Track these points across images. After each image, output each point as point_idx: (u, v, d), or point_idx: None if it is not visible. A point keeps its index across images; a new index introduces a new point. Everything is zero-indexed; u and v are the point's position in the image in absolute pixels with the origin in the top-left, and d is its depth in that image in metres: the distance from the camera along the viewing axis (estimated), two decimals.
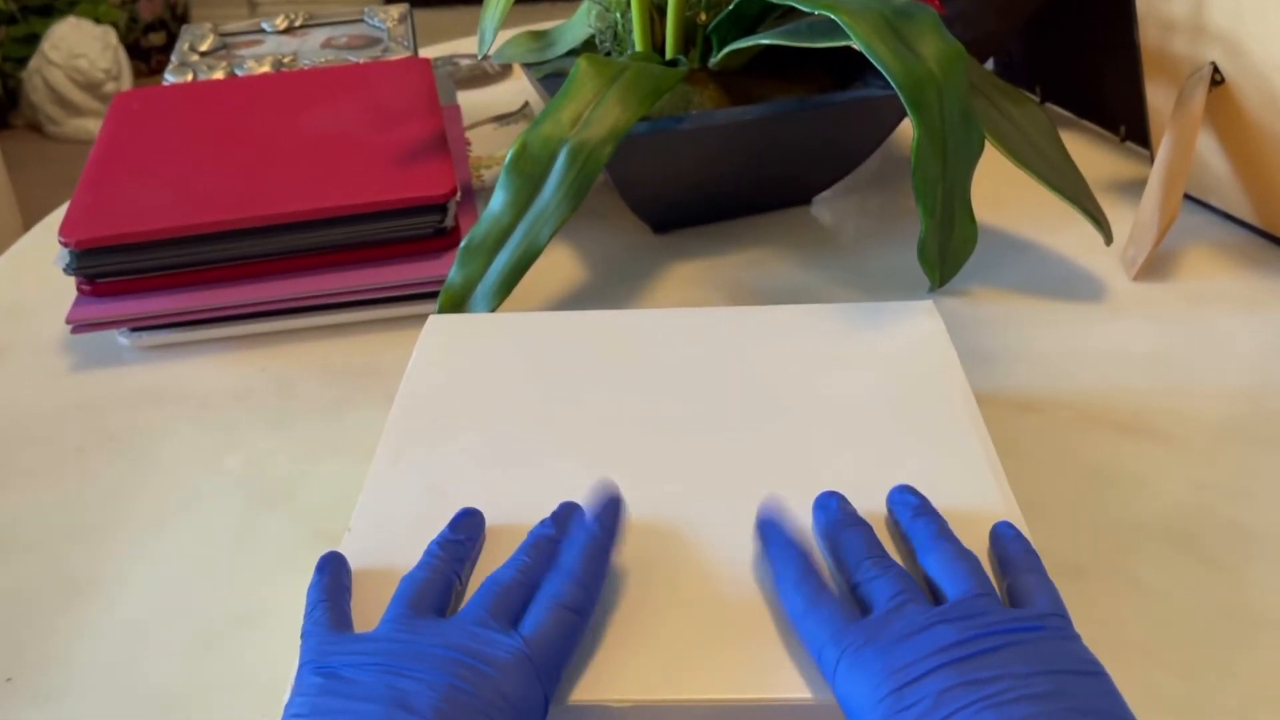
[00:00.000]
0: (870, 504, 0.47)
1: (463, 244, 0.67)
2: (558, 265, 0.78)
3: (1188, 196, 0.82)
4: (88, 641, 0.51)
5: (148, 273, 0.70)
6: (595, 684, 0.40)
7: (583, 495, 0.48)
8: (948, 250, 0.70)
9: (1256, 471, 0.58)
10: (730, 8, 0.75)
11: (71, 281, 0.71)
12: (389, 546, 0.46)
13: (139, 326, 0.71)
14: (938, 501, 0.46)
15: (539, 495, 0.48)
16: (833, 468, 0.49)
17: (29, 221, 2.11)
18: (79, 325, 0.69)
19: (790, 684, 0.40)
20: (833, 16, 0.64)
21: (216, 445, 0.63)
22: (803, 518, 0.46)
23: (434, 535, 0.45)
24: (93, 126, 2.73)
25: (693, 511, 0.47)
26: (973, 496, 0.47)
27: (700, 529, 0.46)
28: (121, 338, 0.71)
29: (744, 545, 0.45)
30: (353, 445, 0.62)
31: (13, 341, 0.74)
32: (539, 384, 0.55)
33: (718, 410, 0.53)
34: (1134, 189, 0.84)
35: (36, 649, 0.51)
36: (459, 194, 0.73)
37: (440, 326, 0.61)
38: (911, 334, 0.58)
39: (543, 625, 0.40)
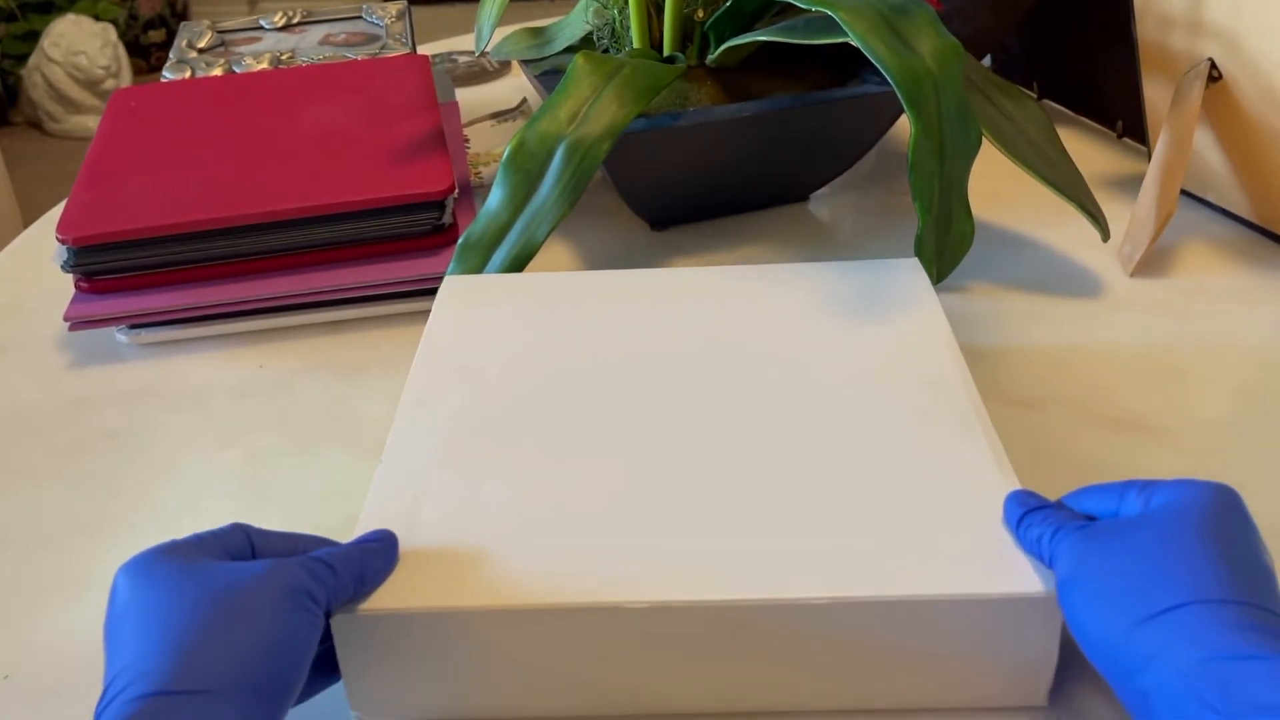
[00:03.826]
0: (859, 451, 0.49)
1: (460, 241, 0.67)
2: (555, 262, 0.78)
3: (1185, 192, 0.82)
4: (85, 639, 0.51)
5: (145, 269, 0.70)
6: (612, 587, 0.42)
7: (596, 450, 0.50)
8: (945, 246, 0.70)
9: (1254, 468, 0.58)
10: (727, 4, 0.75)
11: (70, 279, 0.71)
12: (413, 494, 0.47)
13: (137, 323, 0.71)
14: (927, 446, 0.49)
15: (553, 448, 0.50)
16: (823, 417, 0.52)
17: (28, 218, 2.11)
18: (77, 322, 0.69)
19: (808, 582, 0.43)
20: (830, 13, 0.64)
21: (215, 442, 0.63)
22: (786, 476, 0.48)
23: (456, 476, 0.48)
24: (92, 123, 2.73)
25: (693, 464, 0.49)
26: (959, 440, 0.50)
27: (702, 481, 0.49)
28: (119, 335, 0.71)
29: (739, 505, 0.47)
30: (351, 442, 0.62)
31: (11, 339, 0.74)
32: (553, 341, 0.58)
33: (718, 367, 0.56)
34: (1131, 185, 0.84)
35: (34, 646, 0.51)
36: (456, 191, 0.73)
37: (456, 287, 0.63)
38: (897, 289, 0.61)
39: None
